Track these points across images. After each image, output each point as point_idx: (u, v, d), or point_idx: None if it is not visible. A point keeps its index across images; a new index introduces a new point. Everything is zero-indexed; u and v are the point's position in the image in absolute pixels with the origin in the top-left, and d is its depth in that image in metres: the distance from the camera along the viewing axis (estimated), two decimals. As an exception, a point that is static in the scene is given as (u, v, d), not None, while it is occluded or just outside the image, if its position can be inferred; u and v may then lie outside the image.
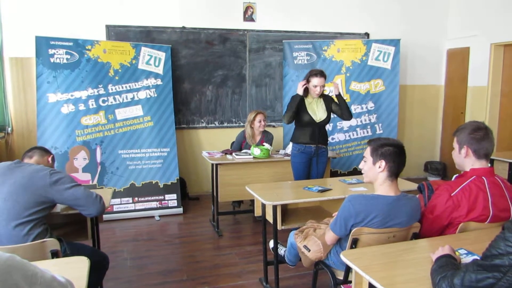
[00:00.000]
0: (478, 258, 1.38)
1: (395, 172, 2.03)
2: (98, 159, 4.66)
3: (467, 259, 1.66)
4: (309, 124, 3.74)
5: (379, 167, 2.03)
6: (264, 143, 4.42)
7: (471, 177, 2.02)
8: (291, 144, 4.61)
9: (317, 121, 3.75)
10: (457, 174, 2.14)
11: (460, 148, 2.06)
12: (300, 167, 3.80)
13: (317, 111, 3.78)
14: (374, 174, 2.07)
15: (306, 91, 3.75)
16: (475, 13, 5.95)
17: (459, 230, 1.99)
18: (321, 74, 3.69)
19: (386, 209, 1.99)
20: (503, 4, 5.48)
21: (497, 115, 5.82)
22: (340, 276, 2.23)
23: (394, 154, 2.01)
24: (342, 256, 1.78)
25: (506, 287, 1.25)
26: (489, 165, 2.09)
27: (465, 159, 2.05)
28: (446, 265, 1.49)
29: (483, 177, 2.01)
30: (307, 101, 3.78)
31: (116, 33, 5.11)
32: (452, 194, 2.00)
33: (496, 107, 5.80)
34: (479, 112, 5.88)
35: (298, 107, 3.71)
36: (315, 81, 3.66)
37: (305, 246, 2.35)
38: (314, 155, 3.81)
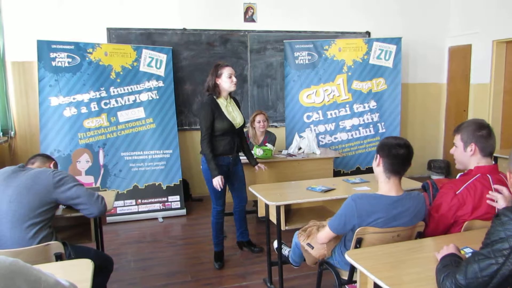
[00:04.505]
0: None
1: (391, 170, 1.98)
2: (101, 161, 4.67)
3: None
4: (229, 131, 3.29)
5: (377, 161, 2.04)
6: (267, 144, 4.42)
7: (476, 175, 2.01)
8: (295, 143, 4.61)
9: (237, 127, 3.34)
10: (462, 173, 2.13)
11: (466, 145, 2.04)
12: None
13: (234, 114, 3.35)
14: (375, 169, 2.08)
15: (218, 91, 3.27)
16: (476, 10, 5.93)
17: (464, 228, 1.98)
18: (228, 64, 3.32)
19: (388, 210, 1.97)
20: (504, 1, 5.45)
21: (500, 112, 5.79)
22: (345, 276, 2.23)
23: (389, 151, 1.97)
24: (346, 256, 1.77)
25: (510, 270, 1.23)
26: (493, 162, 2.08)
27: (471, 157, 2.04)
28: (450, 264, 1.48)
29: (487, 175, 2.00)
30: (221, 103, 3.28)
31: (117, 35, 5.12)
32: (457, 193, 1.99)
33: (499, 104, 5.78)
34: (482, 109, 5.86)
35: (214, 113, 3.22)
36: (228, 70, 3.22)
37: (308, 244, 2.35)
38: (233, 165, 3.42)
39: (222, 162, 3.34)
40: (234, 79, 3.26)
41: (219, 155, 3.32)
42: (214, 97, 3.28)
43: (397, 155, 1.96)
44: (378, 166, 2.03)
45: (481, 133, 2.00)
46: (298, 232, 2.50)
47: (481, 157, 2.03)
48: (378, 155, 2.04)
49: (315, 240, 2.33)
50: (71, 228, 2.80)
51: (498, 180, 2.00)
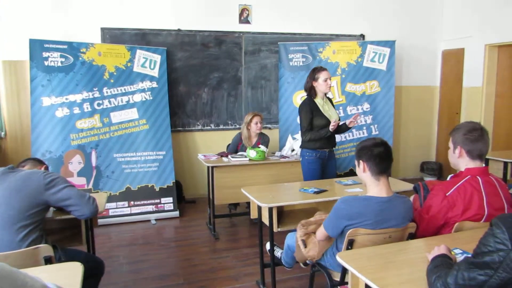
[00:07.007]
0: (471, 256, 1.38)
1: (378, 171, 2.00)
2: (94, 163, 4.64)
3: (462, 258, 1.66)
4: (326, 127, 3.62)
5: (361, 168, 2.05)
6: (260, 145, 4.42)
7: (466, 177, 2.02)
8: (288, 145, 4.62)
9: None
10: (452, 174, 2.14)
11: (454, 148, 2.07)
12: (316, 173, 3.71)
13: (330, 112, 3.72)
14: (361, 175, 2.09)
15: (314, 92, 3.68)
16: (469, 15, 5.98)
17: (454, 229, 1.99)
18: (325, 68, 3.71)
19: (378, 211, 1.98)
20: (497, 6, 5.50)
21: (492, 115, 5.84)
22: (337, 277, 2.23)
23: (370, 152, 2.00)
24: (338, 258, 1.77)
25: (497, 283, 1.26)
26: (484, 165, 2.10)
27: (459, 159, 2.07)
28: (442, 264, 1.50)
29: (477, 177, 2.01)
30: (318, 103, 3.69)
31: (111, 35, 5.10)
32: (447, 194, 2.00)
33: (490, 107, 5.83)
34: (474, 112, 5.90)
35: (313, 111, 3.63)
36: (324, 74, 3.61)
37: (303, 241, 2.34)
38: (327, 159, 3.76)
39: (320, 155, 3.71)
40: (329, 82, 3.65)
41: (317, 149, 3.69)
42: (312, 97, 3.68)
43: (379, 153, 1.99)
44: (364, 171, 2.05)
45: (468, 136, 2.01)
46: (301, 223, 2.44)
47: (469, 160, 2.04)
48: (360, 161, 2.05)
49: (310, 240, 2.33)
50: (61, 230, 2.76)
51: (488, 182, 2.02)
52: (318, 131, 3.63)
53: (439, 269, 1.46)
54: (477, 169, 2.04)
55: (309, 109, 3.64)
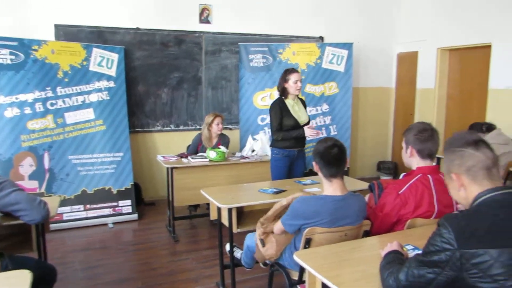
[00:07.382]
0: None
1: (329, 173, 2.05)
2: (46, 165, 4.44)
3: (413, 254, 1.72)
4: (294, 128, 3.71)
5: (316, 168, 2.10)
6: (220, 146, 4.39)
7: (417, 175, 2.10)
8: (249, 146, 4.64)
9: (301, 124, 3.75)
10: (404, 173, 2.22)
11: (406, 147, 2.16)
12: (282, 171, 3.78)
13: (299, 113, 3.79)
14: (319, 174, 2.13)
15: (285, 92, 3.75)
16: (423, 19, 6.23)
17: (406, 226, 2.07)
18: (296, 70, 3.80)
19: (333, 209, 2.02)
20: (448, 12, 5.77)
21: (444, 116, 6.12)
22: (295, 276, 2.25)
23: (322, 155, 2.05)
24: (295, 257, 1.79)
25: (445, 281, 1.32)
26: (435, 163, 2.19)
27: (410, 159, 2.15)
28: (393, 260, 1.55)
29: (428, 175, 2.10)
30: (289, 103, 3.76)
31: (66, 33, 4.90)
32: (399, 192, 2.07)
33: (442, 108, 6.11)
34: (427, 113, 6.16)
35: (282, 111, 3.70)
36: (295, 76, 3.70)
37: (261, 240, 2.35)
38: (296, 158, 3.83)
39: (287, 154, 3.77)
40: (299, 85, 3.74)
41: (286, 148, 3.75)
42: (283, 98, 3.77)
43: (331, 157, 2.03)
44: (319, 171, 2.10)
45: (418, 136, 2.10)
46: (260, 220, 2.44)
47: (420, 159, 2.13)
48: (314, 162, 2.11)
49: (269, 239, 2.34)
50: (10, 237, 2.62)
51: (438, 180, 2.11)
52: (289, 132, 3.69)
53: (391, 265, 1.51)
54: (427, 168, 2.12)
55: (279, 109, 3.71)
